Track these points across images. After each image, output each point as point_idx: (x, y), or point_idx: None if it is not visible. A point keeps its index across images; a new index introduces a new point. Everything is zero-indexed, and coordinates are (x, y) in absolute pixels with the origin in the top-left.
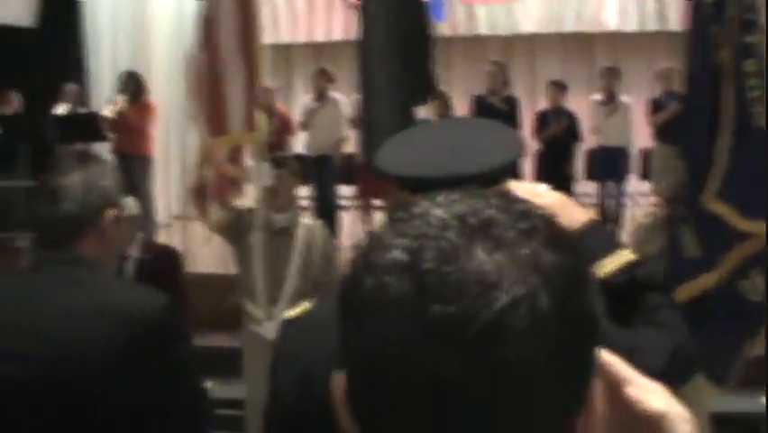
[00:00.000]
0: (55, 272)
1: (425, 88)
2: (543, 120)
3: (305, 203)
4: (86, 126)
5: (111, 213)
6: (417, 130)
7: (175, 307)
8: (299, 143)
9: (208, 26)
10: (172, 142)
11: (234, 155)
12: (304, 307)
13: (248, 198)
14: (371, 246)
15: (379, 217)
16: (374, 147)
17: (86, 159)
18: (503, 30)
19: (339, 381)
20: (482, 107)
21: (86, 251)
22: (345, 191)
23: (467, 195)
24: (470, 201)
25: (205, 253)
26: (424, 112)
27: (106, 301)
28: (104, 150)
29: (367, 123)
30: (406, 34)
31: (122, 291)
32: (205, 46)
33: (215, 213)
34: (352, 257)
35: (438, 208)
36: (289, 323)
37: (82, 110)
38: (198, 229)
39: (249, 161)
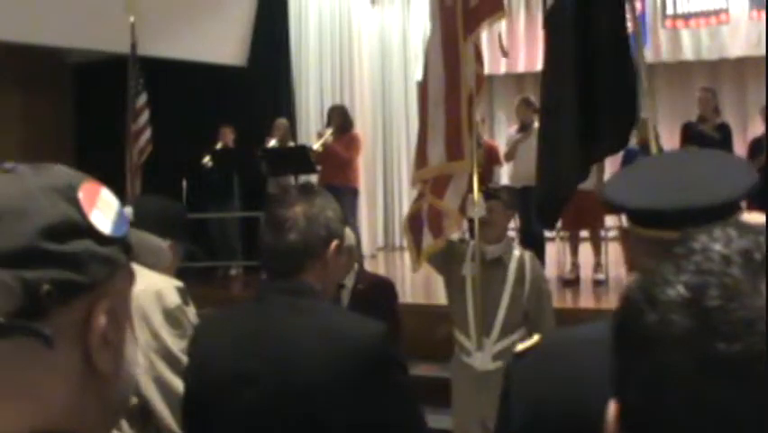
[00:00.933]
0: (281, 301)
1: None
2: (757, 147)
3: (510, 234)
4: (296, 159)
5: (334, 244)
6: (645, 162)
7: (394, 336)
8: (504, 174)
9: (425, 62)
10: (377, 174)
11: (438, 186)
12: (533, 340)
13: (460, 228)
14: (651, 281)
15: (579, 247)
16: (555, 179)
17: (310, 191)
18: (709, 54)
19: (611, 408)
20: (693, 135)
21: (309, 280)
22: None
23: (744, 229)
24: (752, 236)
25: (408, 283)
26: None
27: (331, 330)
28: (311, 182)
29: (548, 156)
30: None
31: (344, 320)
32: (424, 79)
33: (427, 243)
34: (629, 290)
35: (717, 243)
36: (520, 356)
37: (291, 143)
38: (401, 260)
39: (457, 192)
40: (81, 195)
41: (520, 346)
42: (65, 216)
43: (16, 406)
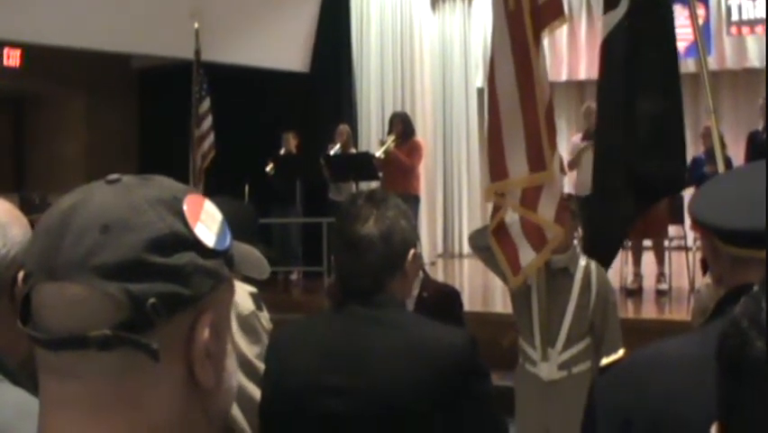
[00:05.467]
0: (362, 312)
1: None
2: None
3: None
4: (359, 165)
5: (410, 253)
6: (728, 178)
7: (476, 345)
8: (566, 183)
9: (491, 70)
10: (436, 181)
11: (528, 198)
12: (618, 354)
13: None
14: (759, 307)
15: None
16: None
17: (380, 200)
18: None
19: (714, 430)
20: (757, 144)
21: (389, 290)
22: None
23: None
24: None
25: (466, 291)
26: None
27: (416, 341)
28: (378, 188)
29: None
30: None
31: (428, 330)
32: (489, 88)
33: (527, 257)
34: (732, 316)
35: None
36: (604, 370)
37: (353, 150)
38: (460, 267)
39: (550, 202)
40: (186, 207)
41: (605, 360)
42: (171, 229)
43: (121, 419)
